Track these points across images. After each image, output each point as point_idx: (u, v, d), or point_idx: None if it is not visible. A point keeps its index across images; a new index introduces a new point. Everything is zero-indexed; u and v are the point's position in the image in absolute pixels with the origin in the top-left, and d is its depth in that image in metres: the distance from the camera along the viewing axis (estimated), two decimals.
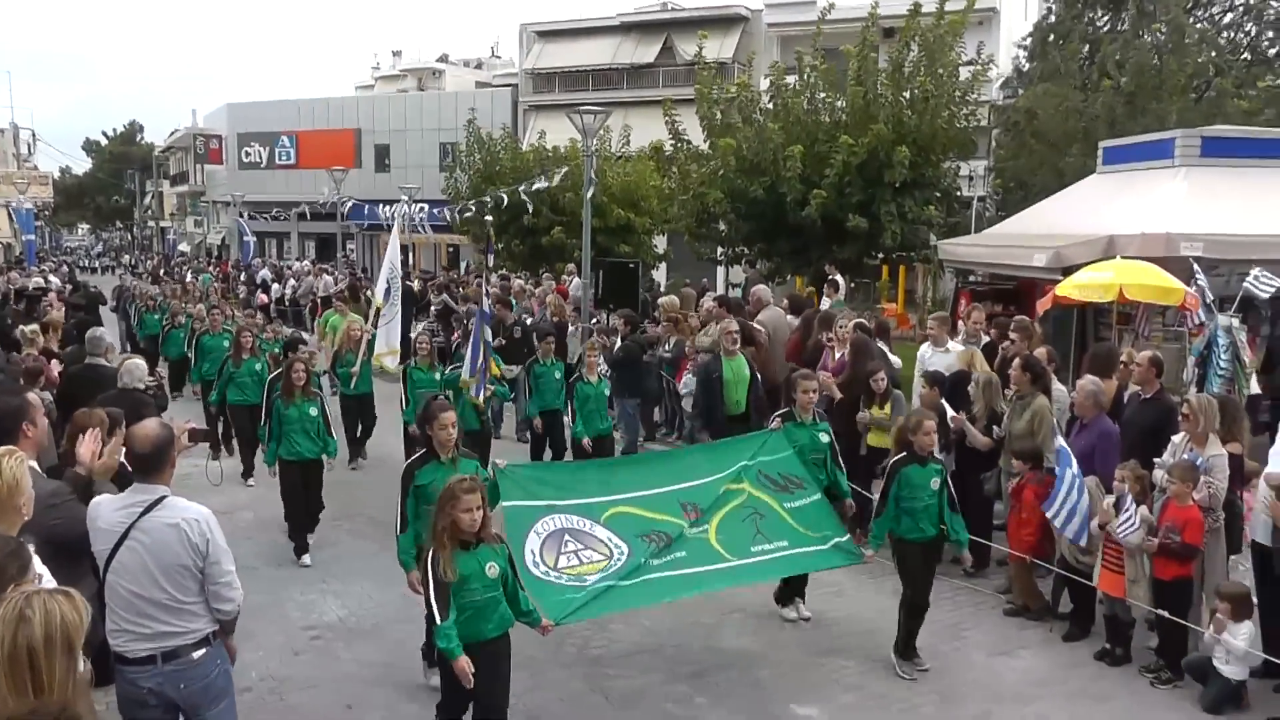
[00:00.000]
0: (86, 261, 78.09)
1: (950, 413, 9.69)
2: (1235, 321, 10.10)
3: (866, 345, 11.19)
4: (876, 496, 8.43)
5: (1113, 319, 12.53)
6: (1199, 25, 27.71)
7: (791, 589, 8.70)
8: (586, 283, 18.24)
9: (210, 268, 45.04)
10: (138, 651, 4.81)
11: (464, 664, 5.46)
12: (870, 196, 19.17)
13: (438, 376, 12.13)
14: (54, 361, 10.68)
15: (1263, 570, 7.37)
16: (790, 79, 20.98)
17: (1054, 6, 30.06)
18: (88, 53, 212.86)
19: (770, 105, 21.01)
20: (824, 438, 8.41)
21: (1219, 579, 7.64)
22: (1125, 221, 12.58)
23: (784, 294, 17.16)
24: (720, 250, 23.51)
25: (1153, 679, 7.63)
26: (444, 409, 7.16)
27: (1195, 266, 10.57)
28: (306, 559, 10.24)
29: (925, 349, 11.57)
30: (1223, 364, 9.87)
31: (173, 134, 73.28)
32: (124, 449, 5.25)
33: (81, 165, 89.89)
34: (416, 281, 27.82)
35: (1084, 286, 11.04)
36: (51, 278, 31.13)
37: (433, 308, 23.36)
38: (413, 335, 15.11)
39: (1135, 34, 26.88)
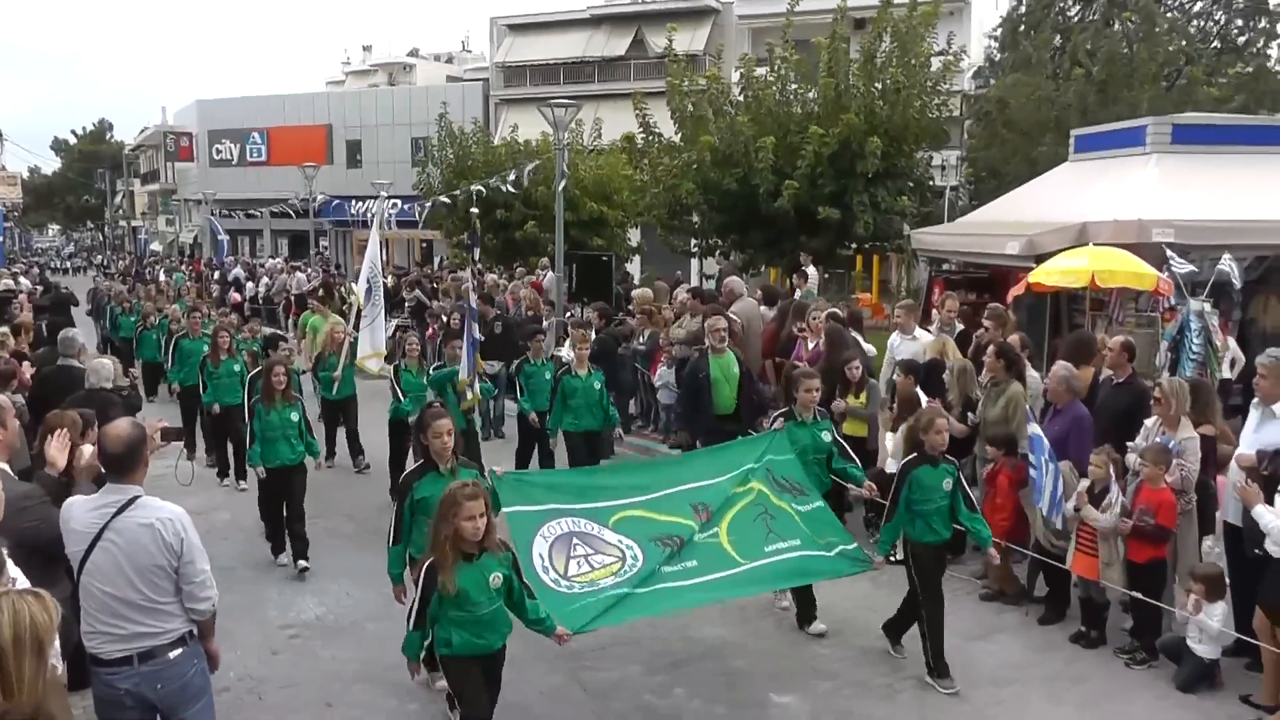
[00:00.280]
0: (58, 262, 77.33)
1: (925, 401, 9.73)
2: (1207, 306, 10.20)
3: (841, 335, 11.24)
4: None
5: (1086, 305, 12.62)
6: (1169, 14, 27.98)
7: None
8: (560, 276, 18.21)
9: (183, 267, 44.73)
10: (113, 653, 4.78)
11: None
12: (843, 187, 19.22)
13: (424, 380, 11.87)
14: (25, 364, 10.58)
15: (1234, 550, 7.46)
16: (760, 70, 21.01)
17: None
18: (54, 50, 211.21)
19: (741, 97, 21.04)
20: (826, 436, 8.19)
21: (1192, 560, 7.73)
22: (1097, 209, 12.68)
23: (757, 285, 17.18)
24: (693, 242, 23.52)
25: (1127, 660, 7.71)
26: (438, 417, 6.81)
27: (1167, 252, 10.66)
28: (284, 558, 10.02)
29: (895, 338, 11.62)
30: (1195, 348, 9.97)
31: (142, 132, 72.76)
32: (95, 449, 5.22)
33: (50, 165, 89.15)
34: (390, 278, 27.68)
35: (1057, 273, 11.11)
36: (22, 279, 30.83)
37: (406, 304, 23.25)
38: (385, 333, 14.73)
39: (1106, 23, 27.12)
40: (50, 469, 5.81)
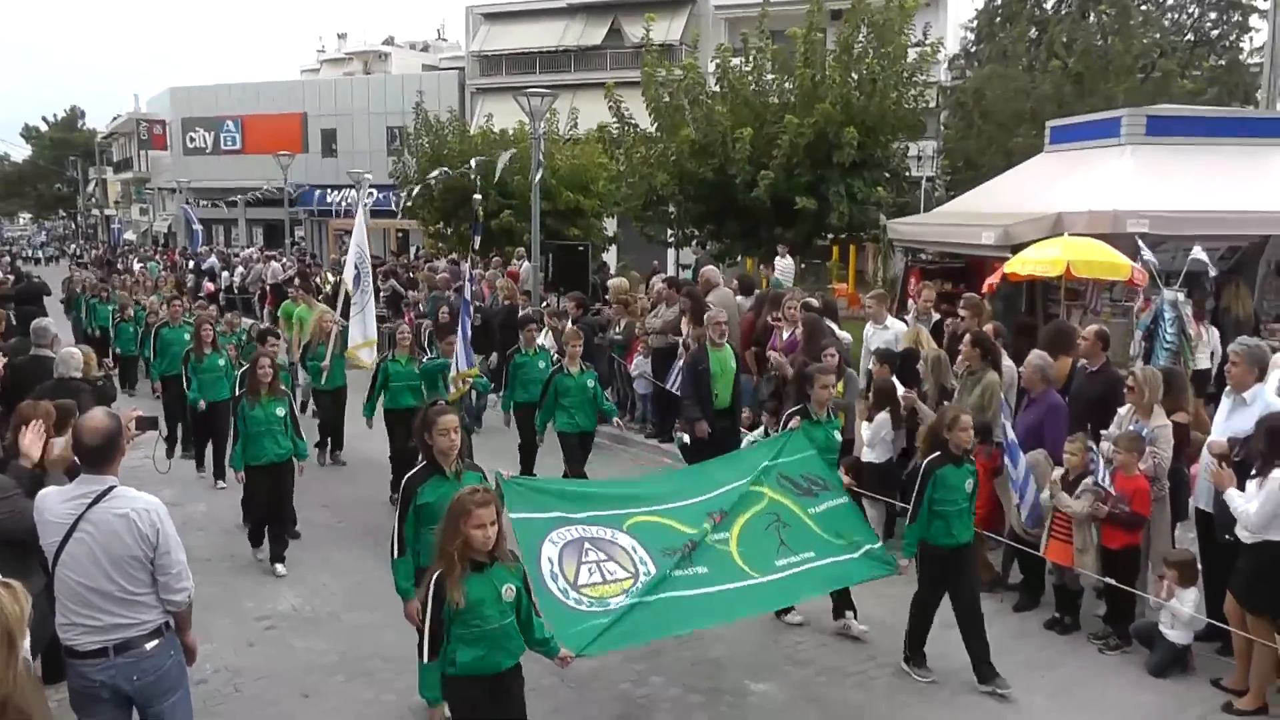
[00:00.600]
0: (29, 252, 76.52)
1: (901, 390, 9.78)
2: (1181, 296, 10.29)
3: (819, 324, 11.26)
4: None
5: (1061, 295, 12.69)
6: (1144, 7, 28.15)
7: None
8: (536, 266, 18.18)
9: (157, 256, 44.41)
10: (89, 644, 4.75)
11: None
12: (819, 177, 19.28)
13: (417, 370, 11.61)
14: None
15: (1205, 536, 7.56)
16: (736, 61, 21.01)
17: None
18: (24, 37, 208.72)
19: (717, 88, 21.04)
20: (839, 436, 7.99)
21: (1165, 547, 7.81)
22: (1073, 199, 12.75)
23: (733, 275, 17.21)
24: (669, 232, 23.51)
25: (1101, 645, 7.80)
26: (442, 413, 6.28)
27: (1140, 242, 10.74)
28: (262, 554, 9.73)
29: (869, 328, 11.67)
30: (1169, 337, 10.07)
31: (115, 119, 72.09)
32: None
33: (21, 152, 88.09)
34: None
35: (1032, 263, 11.17)
36: None
37: (381, 293, 23.12)
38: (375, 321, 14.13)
39: (1082, 15, 27.25)
40: (24, 460, 5.76)
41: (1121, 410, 8.16)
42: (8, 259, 48.07)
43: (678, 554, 6.28)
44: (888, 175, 20.93)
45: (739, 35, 22.71)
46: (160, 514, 4.82)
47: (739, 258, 22.53)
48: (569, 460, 10.67)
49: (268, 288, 27.57)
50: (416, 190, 27.58)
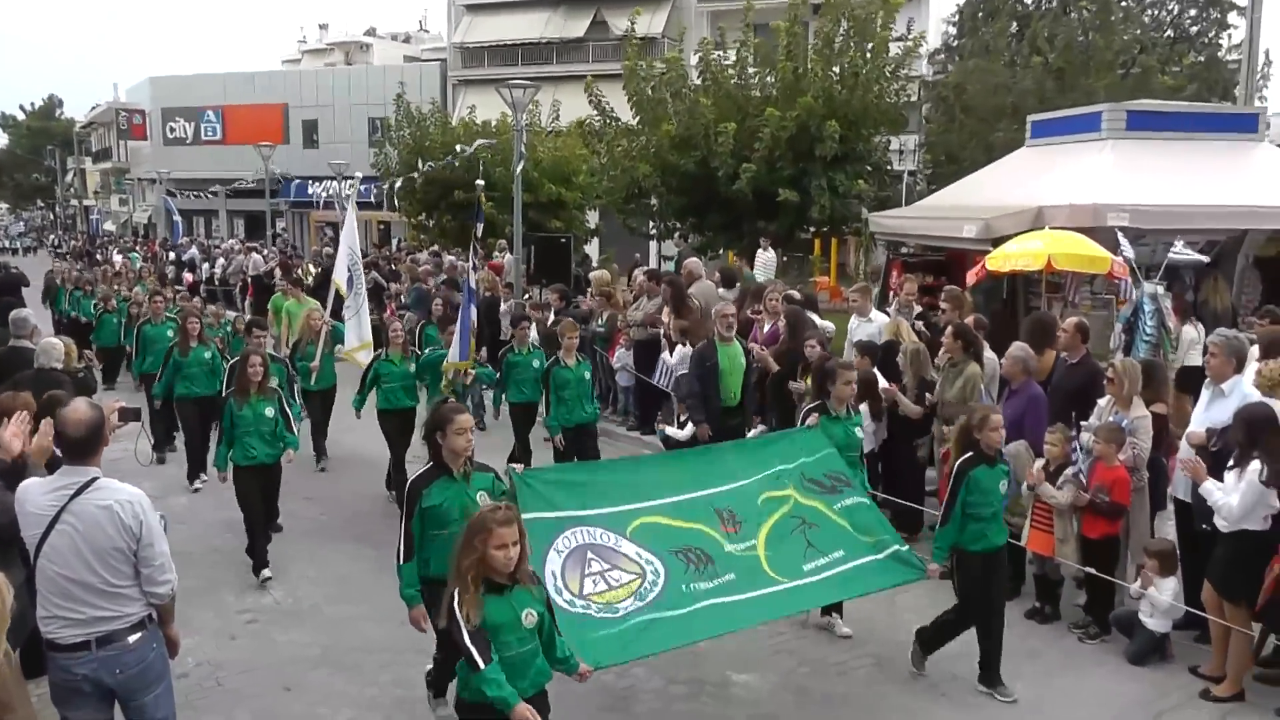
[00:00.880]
0: (7, 242, 75.87)
1: (882, 383, 9.82)
2: (1160, 289, 10.36)
3: (802, 316, 11.31)
4: None
5: (1042, 288, 12.76)
6: (1124, 4, 28.30)
7: None
8: (518, 258, 18.15)
9: (137, 247, 44.11)
10: (71, 638, 4.72)
11: (526, 711, 4.49)
12: (801, 170, 19.32)
13: (411, 368, 11.33)
14: None
15: (1184, 526, 7.65)
16: (718, 54, 21.02)
17: None
18: (0, 24, 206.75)
19: (700, 81, 21.04)
20: (859, 433, 7.85)
21: (1144, 536, 7.88)
22: (1053, 193, 12.82)
23: (715, 267, 17.24)
24: (652, 225, 23.51)
25: (1081, 634, 7.87)
26: (458, 412, 6.08)
27: (1120, 236, 10.80)
28: (267, 572, 9.18)
29: (853, 321, 11.71)
30: (1149, 330, 10.13)
31: (94, 109, 71.63)
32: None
33: None
34: None
35: (1013, 256, 11.23)
36: None
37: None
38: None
39: (1063, 11, 27.38)
40: (3, 453, 5.72)
41: (1101, 401, 8.22)
42: None
43: (691, 562, 6.16)
44: (869, 169, 21.01)
45: (722, 28, 22.74)
46: (144, 506, 4.79)
47: (721, 250, 22.56)
48: (564, 457, 10.32)
49: (248, 279, 27.42)
50: (400, 183, 27.48)
